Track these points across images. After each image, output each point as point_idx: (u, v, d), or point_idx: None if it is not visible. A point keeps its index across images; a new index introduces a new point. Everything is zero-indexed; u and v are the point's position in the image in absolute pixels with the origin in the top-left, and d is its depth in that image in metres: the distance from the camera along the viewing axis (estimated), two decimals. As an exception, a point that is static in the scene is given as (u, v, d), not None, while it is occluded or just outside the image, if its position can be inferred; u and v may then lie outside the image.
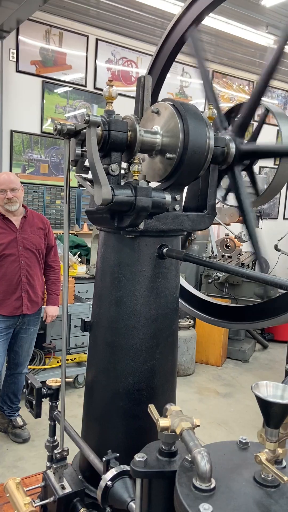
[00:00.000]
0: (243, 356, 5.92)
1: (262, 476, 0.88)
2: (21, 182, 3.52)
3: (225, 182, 1.86)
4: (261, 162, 1.79)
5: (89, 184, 1.35)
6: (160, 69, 2.01)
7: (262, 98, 1.62)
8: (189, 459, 0.93)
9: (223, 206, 2.01)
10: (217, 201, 1.72)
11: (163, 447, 1.08)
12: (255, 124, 1.79)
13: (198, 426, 1.02)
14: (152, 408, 1.10)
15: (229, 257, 5.99)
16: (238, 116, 1.74)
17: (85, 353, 4.73)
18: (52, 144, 5.73)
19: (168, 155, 1.43)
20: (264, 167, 7.44)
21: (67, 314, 1.52)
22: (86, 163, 1.35)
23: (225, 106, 1.64)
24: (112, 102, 1.37)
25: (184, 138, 1.41)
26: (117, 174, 1.35)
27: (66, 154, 1.36)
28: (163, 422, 1.03)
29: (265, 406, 0.85)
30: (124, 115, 1.42)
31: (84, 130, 1.28)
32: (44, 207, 5.37)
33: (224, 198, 1.92)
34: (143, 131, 1.41)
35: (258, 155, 1.71)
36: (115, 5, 5.31)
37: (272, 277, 1.26)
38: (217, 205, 1.74)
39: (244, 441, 1.03)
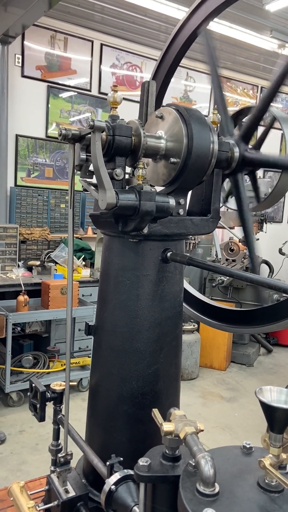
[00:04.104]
0: (247, 360, 5.89)
1: (266, 481, 0.88)
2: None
3: (228, 184, 1.86)
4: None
5: (94, 188, 1.35)
6: (164, 74, 2.02)
7: (271, 104, 1.62)
8: (193, 464, 0.93)
9: (227, 210, 2.00)
10: (221, 205, 1.72)
11: (167, 451, 1.08)
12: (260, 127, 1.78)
13: (202, 430, 1.02)
14: (156, 412, 1.10)
15: (233, 260, 5.98)
16: (245, 119, 1.74)
17: (89, 357, 4.72)
18: (56, 148, 5.76)
19: (172, 159, 1.44)
20: (269, 170, 7.42)
21: (71, 318, 1.52)
22: (91, 168, 1.35)
23: (230, 110, 1.63)
24: (116, 107, 1.37)
25: (188, 142, 1.42)
26: (121, 179, 1.36)
27: (70, 159, 1.37)
28: (167, 427, 1.03)
29: (269, 411, 0.85)
30: (128, 119, 1.42)
31: (89, 135, 1.29)
32: (49, 211, 5.39)
33: (225, 200, 1.92)
34: (148, 136, 1.42)
35: (261, 164, 1.70)
36: (119, 11, 5.34)
37: (276, 282, 1.26)
38: (221, 209, 1.75)
39: (248, 446, 1.02)
